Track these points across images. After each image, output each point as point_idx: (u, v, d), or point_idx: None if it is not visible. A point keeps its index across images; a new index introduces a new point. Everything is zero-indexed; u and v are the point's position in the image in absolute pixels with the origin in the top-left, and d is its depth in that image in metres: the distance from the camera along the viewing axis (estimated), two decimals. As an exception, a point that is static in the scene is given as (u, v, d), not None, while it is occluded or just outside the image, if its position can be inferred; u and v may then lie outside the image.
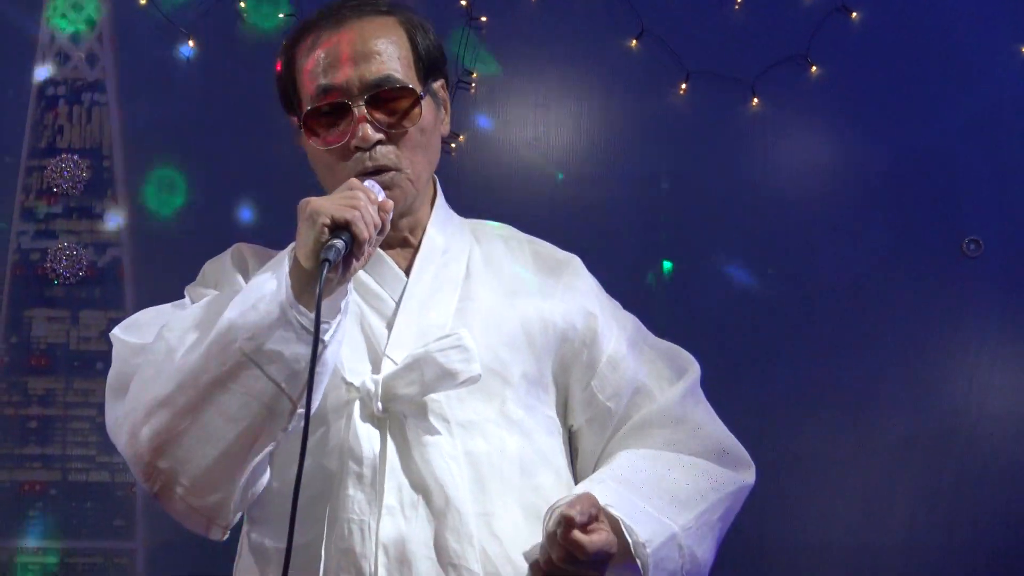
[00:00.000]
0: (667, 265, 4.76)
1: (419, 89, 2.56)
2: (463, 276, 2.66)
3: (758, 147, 4.79)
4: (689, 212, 4.78)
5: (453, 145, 4.72)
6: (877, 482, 4.71)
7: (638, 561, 2.42)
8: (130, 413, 2.36)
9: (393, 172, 2.52)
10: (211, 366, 2.28)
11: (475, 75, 4.75)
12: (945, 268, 4.73)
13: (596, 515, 2.37)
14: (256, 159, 4.70)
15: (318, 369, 2.25)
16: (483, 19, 4.77)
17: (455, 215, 2.78)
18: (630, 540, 2.42)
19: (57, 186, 4.81)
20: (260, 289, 2.30)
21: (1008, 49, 4.78)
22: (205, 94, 4.83)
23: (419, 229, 2.67)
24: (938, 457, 4.70)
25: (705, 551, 2.58)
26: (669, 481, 2.59)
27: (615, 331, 2.75)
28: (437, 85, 2.66)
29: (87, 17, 4.85)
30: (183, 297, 2.66)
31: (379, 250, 2.59)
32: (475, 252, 2.72)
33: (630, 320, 2.83)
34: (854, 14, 4.76)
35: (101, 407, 4.72)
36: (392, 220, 2.50)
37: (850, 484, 4.71)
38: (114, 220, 4.82)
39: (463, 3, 4.75)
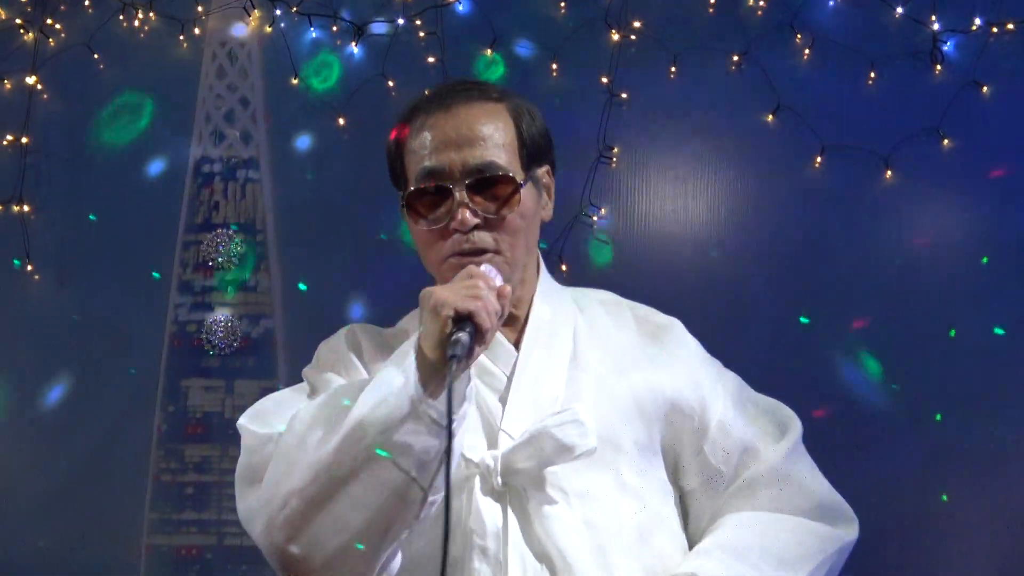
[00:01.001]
0: (804, 320, 4.82)
1: (520, 177, 2.62)
2: (571, 347, 2.71)
3: (892, 218, 4.82)
4: (825, 283, 4.83)
5: (595, 217, 4.82)
6: (1012, 547, 4.71)
7: None
8: (266, 504, 2.43)
9: (491, 254, 2.59)
10: (344, 459, 2.33)
11: (616, 150, 4.86)
12: (1082, 337, 4.75)
13: None
14: (405, 232, 4.80)
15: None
16: (623, 95, 4.88)
17: (559, 286, 2.84)
18: None
19: (213, 260, 4.94)
20: (389, 384, 2.35)
21: None
22: (355, 170, 4.95)
23: (524, 304, 2.72)
24: (1076, 523, 4.70)
25: None
26: (776, 544, 2.63)
27: (721, 395, 2.79)
28: (541, 171, 2.71)
29: (242, 97, 5.02)
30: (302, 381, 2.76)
31: None
32: (579, 321, 2.77)
33: (733, 380, 2.87)
34: (985, 88, 4.82)
35: (255, 473, 4.88)
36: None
37: (984, 547, 4.71)
38: (267, 293, 4.93)
39: (604, 80, 4.87)
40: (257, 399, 4.76)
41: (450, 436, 2.24)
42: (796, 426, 2.84)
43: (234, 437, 4.72)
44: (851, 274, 4.83)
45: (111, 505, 4.87)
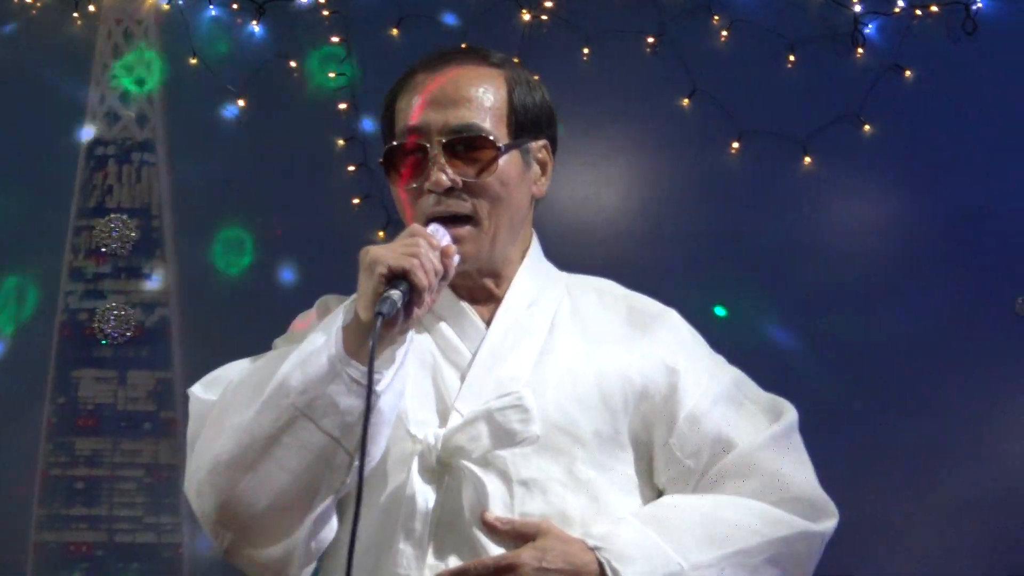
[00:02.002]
0: (720, 312, 4.75)
1: (501, 142, 2.52)
2: (546, 328, 2.58)
3: (811, 206, 4.77)
4: (741, 271, 4.76)
5: (504, 204, 4.72)
6: (935, 547, 4.65)
7: None
8: (196, 471, 2.38)
9: (468, 227, 2.48)
10: (266, 421, 2.29)
11: (525, 134, 4.76)
12: (1003, 326, 4.69)
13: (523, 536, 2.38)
14: (305, 219, 4.72)
15: (374, 420, 2.24)
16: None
17: (552, 269, 2.71)
18: None
19: (106, 246, 4.83)
20: (313, 344, 2.30)
21: (1065, 106, 4.77)
22: (254, 153, 4.85)
23: (505, 283, 2.60)
24: (999, 519, 4.64)
25: None
26: (709, 519, 2.49)
27: (702, 386, 2.62)
28: (536, 145, 2.59)
29: (139, 78, 4.90)
30: (269, 350, 2.65)
31: (462, 302, 2.57)
32: (564, 304, 2.64)
33: (728, 375, 2.70)
34: (908, 72, 4.75)
35: (148, 467, 4.81)
36: (472, 275, 2.50)
37: (907, 548, 4.65)
38: (162, 280, 4.84)
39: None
40: (151, 391, 4.81)
41: (369, 396, 2.20)
42: (786, 417, 2.64)
43: (126, 430, 4.77)
44: (769, 262, 4.77)
45: (-3, 501, 4.76)
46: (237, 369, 2.56)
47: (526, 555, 2.36)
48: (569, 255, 4.58)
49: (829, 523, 2.58)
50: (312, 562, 2.43)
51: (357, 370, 2.25)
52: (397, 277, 2.24)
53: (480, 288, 2.58)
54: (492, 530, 2.39)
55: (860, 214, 4.78)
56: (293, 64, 4.83)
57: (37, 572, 4.72)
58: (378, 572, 2.41)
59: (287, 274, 4.75)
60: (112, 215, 4.84)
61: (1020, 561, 4.62)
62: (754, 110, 4.79)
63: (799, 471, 2.60)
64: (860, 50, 4.78)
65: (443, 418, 2.47)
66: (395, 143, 2.53)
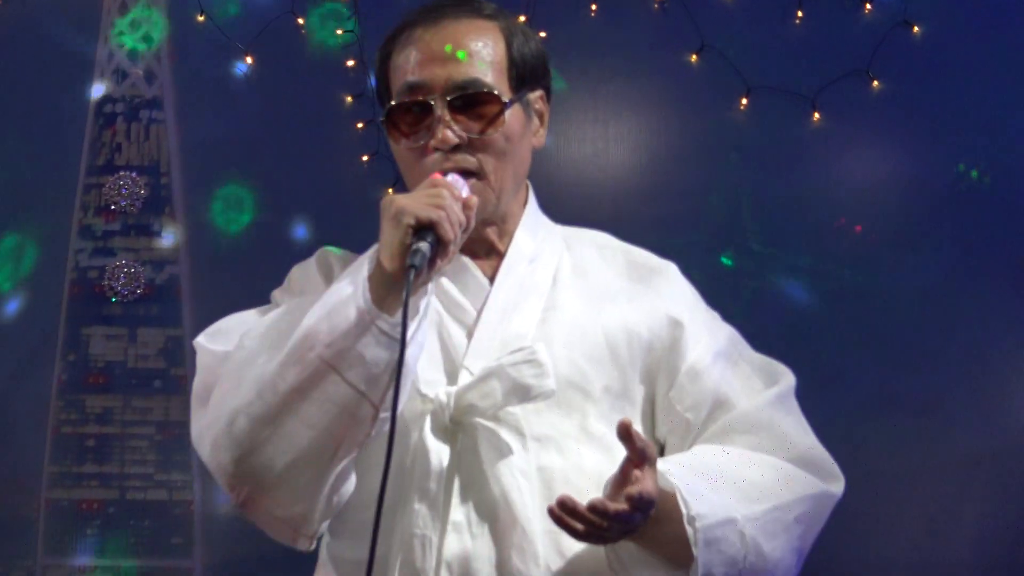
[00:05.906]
0: (727, 261, 4.76)
1: (506, 96, 2.49)
2: (549, 284, 2.57)
3: (820, 162, 4.76)
4: (750, 227, 4.76)
5: (513, 160, 4.71)
6: (942, 498, 4.67)
7: (688, 532, 2.31)
8: (212, 424, 2.34)
9: (474, 180, 2.45)
10: (290, 374, 2.26)
11: (535, 90, 4.74)
12: (1011, 282, 4.69)
13: (647, 456, 2.29)
14: (315, 176, 4.70)
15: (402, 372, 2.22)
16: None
17: (548, 222, 2.70)
18: (684, 512, 2.31)
19: (115, 203, 4.82)
20: (338, 294, 2.27)
21: (1075, 61, 4.77)
22: (263, 110, 4.83)
23: (507, 237, 2.58)
24: (1004, 472, 4.65)
25: (776, 549, 2.43)
26: (739, 475, 2.47)
27: (702, 341, 2.62)
28: (535, 96, 2.58)
29: (146, 35, 4.87)
30: (269, 303, 2.63)
31: (464, 257, 2.54)
32: (564, 259, 2.64)
33: (724, 332, 2.70)
34: (916, 28, 4.74)
35: (159, 425, 4.81)
36: (477, 228, 2.47)
37: (915, 500, 4.66)
38: (172, 237, 4.84)
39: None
40: (162, 348, 4.80)
41: (403, 348, 2.17)
42: (786, 380, 2.65)
43: (137, 387, 4.75)
44: (777, 219, 4.76)
45: (9, 458, 4.76)
46: (242, 320, 2.53)
47: (650, 484, 2.29)
48: (577, 211, 4.60)
49: (839, 485, 2.58)
50: (331, 516, 2.41)
51: (387, 322, 2.22)
52: (424, 228, 2.22)
53: (482, 242, 2.55)
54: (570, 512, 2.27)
55: (868, 170, 4.76)
56: (301, 21, 4.80)
57: (49, 529, 4.72)
58: (395, 533, 2.39)
59: (298, 231, 4.73)
60: (121, 172, 4.84)
61: (1025, 509, 4.67)
62: (762, 66, 4.77)
63: (802, 433, 2.61)
64: (868, 6, 4.76)
65: (452, 376, 2.46)
66: (396, 101, 2.50)
